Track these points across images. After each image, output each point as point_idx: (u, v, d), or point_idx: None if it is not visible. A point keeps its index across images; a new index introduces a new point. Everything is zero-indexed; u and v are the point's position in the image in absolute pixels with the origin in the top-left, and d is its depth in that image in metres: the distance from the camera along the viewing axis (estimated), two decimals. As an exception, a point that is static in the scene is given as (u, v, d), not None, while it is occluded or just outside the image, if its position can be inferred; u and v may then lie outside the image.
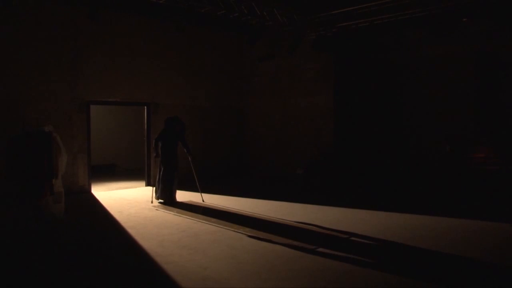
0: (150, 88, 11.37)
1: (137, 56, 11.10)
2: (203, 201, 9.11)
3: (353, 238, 6.39)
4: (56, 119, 9.53)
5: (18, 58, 9.29)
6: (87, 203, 9.19)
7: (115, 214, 8.04)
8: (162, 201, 9.02)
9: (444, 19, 9.24)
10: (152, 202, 8.93)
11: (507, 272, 5.15)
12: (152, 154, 9.64)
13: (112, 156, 14.30)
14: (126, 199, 9.49)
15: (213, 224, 7.24)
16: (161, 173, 9.06)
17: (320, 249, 5.80)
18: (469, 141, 9.74)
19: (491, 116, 9.64)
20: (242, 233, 6.64)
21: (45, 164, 7.27)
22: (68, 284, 4.75)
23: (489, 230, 6.93)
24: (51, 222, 7.19)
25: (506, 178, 7.86)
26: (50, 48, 9.69)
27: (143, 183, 11.51)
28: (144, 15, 10.98)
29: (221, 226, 7.07)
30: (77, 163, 10.10)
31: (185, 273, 4.93)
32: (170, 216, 7.88)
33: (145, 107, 11.42)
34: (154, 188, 9.22)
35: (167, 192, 9.03)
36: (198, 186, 9.15)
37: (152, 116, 11.46)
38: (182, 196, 9.61)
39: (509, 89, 9.38)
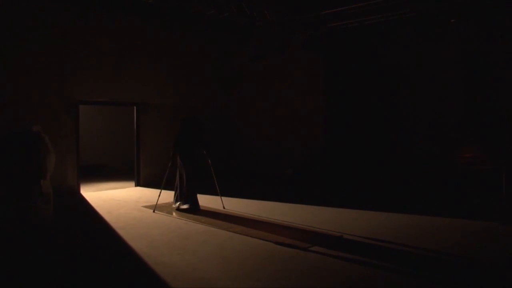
0: (139, 88, 11.31)
1: (127, 56, 11.04)
2: (223, 207, 8.41)
3: (344, 238, 6.41)
4: (44, 119, 9.43)
5: (5, 58, 9.18)
6: (76, 204, 9.11)
7: (104, 214, 7.99)
8: (185, 207, 8.24)
9: (433, 20, 9.31)
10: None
11: (496, 270, 5.20)
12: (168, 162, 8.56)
13: (101, 156, 14.22)
14: (115, 200, 9.44)
15: (203, 224, 7.22)
16: (177, 178, 8.39)
17: (311, 249, 5.81)
18: (458, 141, 9.83)
19: (480, 116, 9.73)
20: (232, 233, 6.63)
21: (33, 165, 7.20)
22: (57, 285, 4.71)
23: (478, 229, 6.99)
24: (39, 224, 7.12)
25: (495, 177, 7.94)
26: (38, 48, 9.59)
27: (133, 183, 11.44)
28: (134, 15, 10.92)
29: (211, 226, 7.06)
30: (65, 164, 10.01)
31: (175, 274, 4.91)
32: (160, 216, 7.85)
33: (135, 107, 11.36)
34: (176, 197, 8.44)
35: (179, 197, 8.34)
36: (218, 190, 8.48)
37: (142, 116, 11.41)
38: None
39: (498, 89, 9.48)
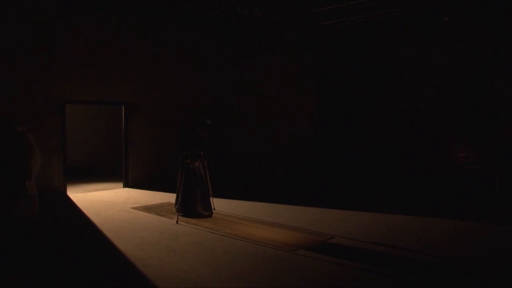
0: (128, 88, 11.15)
1: (115, 55, 10.88)
2: (214, 209, 8.07)
3: (334, 239, 6.35)
4: (30, 119, 9.24)
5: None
6: (62, 205, 8.94)
7: (91, 216, 7.84)
8: (180, 214, 7.64)
9: (426, 18, 9.29)
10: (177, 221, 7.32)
11: (488, 270, 5.16)
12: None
13: (89, 157, 14.02)
14: (103, 201, 9.28)
15: (192, 225, 7.11)
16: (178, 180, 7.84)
17: (301, 250, 5.74)
18: (451, 140, 9.82)
19: (473, 116, 9.73)
20: (222, 235, 6.54)
21: (18, 165, 7.05)
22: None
23: (471, 229, 6.98)
24: (24, 225, 6.96)
25: (486, 177, 7.94)
26: (23, 46, 9.40)
27: (121, 184, 11.28)
28: (122, 12, 10.77)
29: (201, 228, 6.95)
30: (52, 164, 9.82)
31: (164, 276, 4.81)
32: (148, 218, 7.71)
33: (123, 106, 11.20)
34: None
35: (184, 202, 7.70)
36: (211, 191, 8.04)
37: (130, 116, 11.25)
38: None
39: (490, 88, 9.48)
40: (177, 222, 7.26)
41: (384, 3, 8.49)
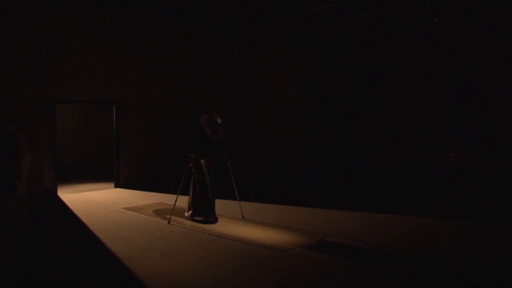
0: (119, 88, 11.08)
1: (106, 54, 10.81)
2: (243, 217, 7.63)
3: (327, 239, 6.35)
4: (20, 119, 9.15)
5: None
6: (53, 206, 8.86)
7: (82, 217, 7.78)
8: (200, 219, 7.28)
9: (417, 19, 9.35)
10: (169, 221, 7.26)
11: (482, 270, 5.19)
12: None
13: (80, 157, 13.93)
14: (94, 201, 9.21)
15: (184, 226, 7.09)
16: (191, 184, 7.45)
17: (294, 250, 5.74)
18: (441, 140, 9.87)
19: (463, 116, 9.79)
20: (214, 235, 6.52)
21: (8, 166, 6.98)
22: (31, 291, 4.53)
23: (462, 229, 7.03)
24: (14, 227, 6.89)
25: (477, 177, 7.99)
26: (13, 45, 9.30)
27: (112, 184, 11.22)
28: (114, 12, 10.70)
29: (192, 228, 6.93)
30: (42, 165, 9.73)
31: (156, 277, 4.78)
32: (140, 218, 7.67)
33: (114, 106, 11.13)
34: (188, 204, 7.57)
35: (201, 206, 7.36)
36: (237, 197, 7.71)
37: (122, 116, 11.18)
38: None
39: (481, 89, 9.55)
40: (168, 223, 7.23)
41: (376, 3, 8.53)
